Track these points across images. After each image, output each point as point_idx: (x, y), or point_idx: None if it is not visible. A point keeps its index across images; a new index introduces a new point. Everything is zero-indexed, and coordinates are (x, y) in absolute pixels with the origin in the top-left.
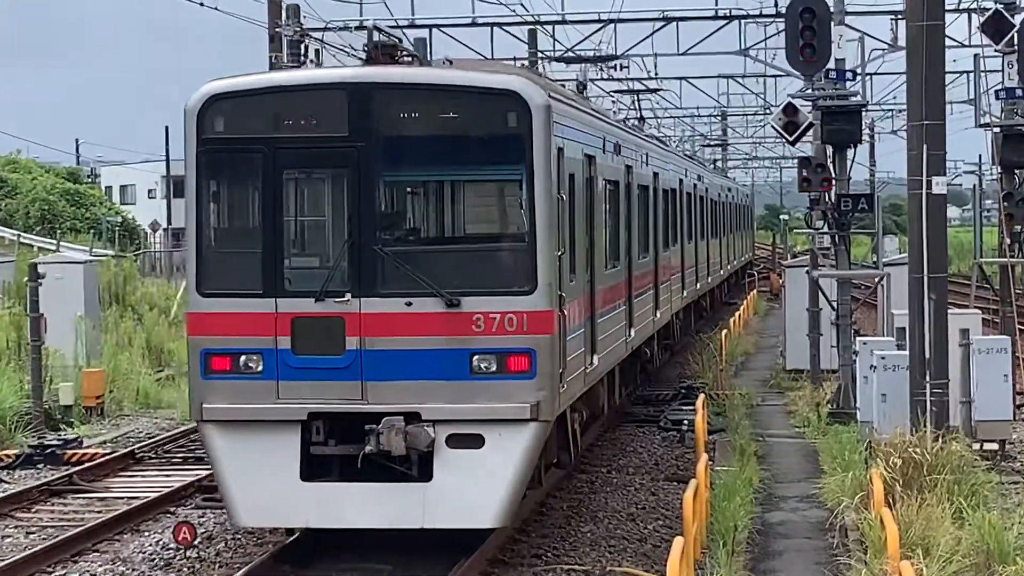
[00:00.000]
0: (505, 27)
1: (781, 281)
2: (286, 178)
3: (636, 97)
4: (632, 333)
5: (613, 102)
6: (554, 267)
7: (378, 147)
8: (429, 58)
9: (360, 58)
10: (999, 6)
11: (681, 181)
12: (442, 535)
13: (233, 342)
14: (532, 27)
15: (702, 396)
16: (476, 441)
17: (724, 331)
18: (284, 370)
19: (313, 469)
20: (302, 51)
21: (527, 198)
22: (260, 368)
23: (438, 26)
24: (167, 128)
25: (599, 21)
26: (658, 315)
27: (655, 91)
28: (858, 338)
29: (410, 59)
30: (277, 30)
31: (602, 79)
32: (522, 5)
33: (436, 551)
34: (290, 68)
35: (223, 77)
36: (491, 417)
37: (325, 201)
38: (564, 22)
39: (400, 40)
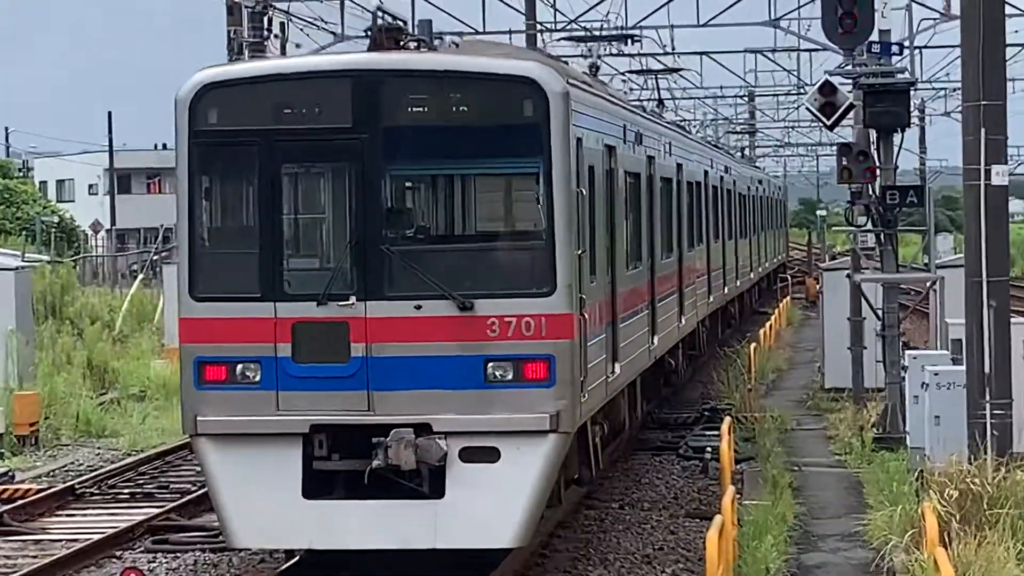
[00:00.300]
0: None
1: (818, 286)
2: (285, 172)
3: (655, 77)
4: (655, 341)
5: (624, 81)
6: (574, 267)
7: (384, 139)
8: (435, 41)
9: (334, 33)
10: None
11: (707, 173)
12: (454, 557)
13: (229, 350)
14: None
15: (728, 419)
16: (491, 455)
17: (753, 344)
18: (284, 379)
19: (316, 486)
20: (265, 24)
21: (544, 192)
22: (258, 377)
23: None
24: (110, 115)
25: None
26: (683, 321)
27: (675, 71)
28: (907, 352)
29: (416, 44)
30: (236, 1)
31: (611, 55)
32: None
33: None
34: (253, 44)
35: (216, 65)
36: (508, 429)
37: (327, 197)
38: None
39: (405, 23)
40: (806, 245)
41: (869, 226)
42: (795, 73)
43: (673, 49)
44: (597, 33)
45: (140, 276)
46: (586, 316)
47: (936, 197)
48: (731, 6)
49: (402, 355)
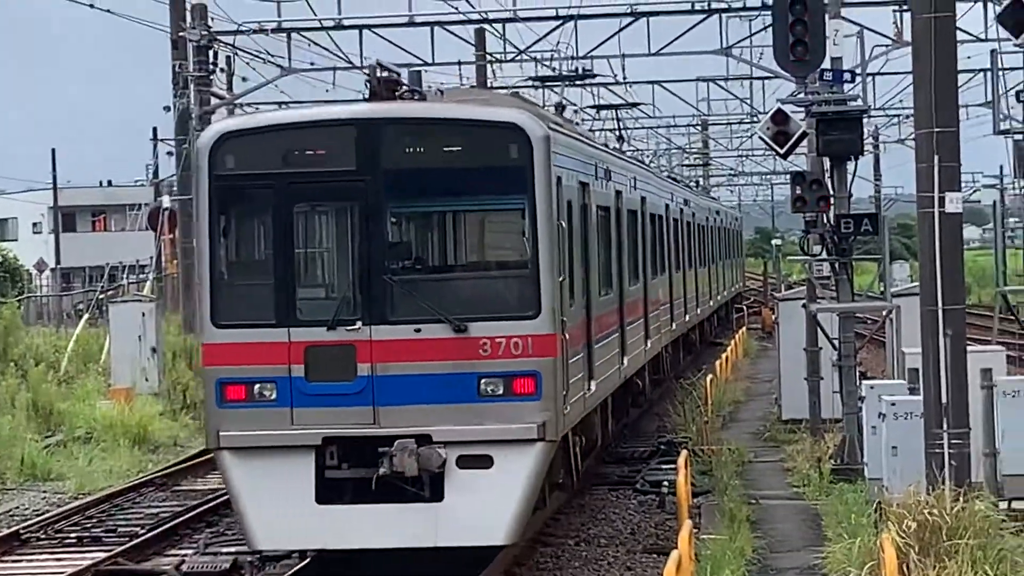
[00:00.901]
0: (447, 27)
1: (774, 316)
2: (296, 211)
3: (615, 112)
4: (625, 362)
5: (576, 112)
6: (556, 292)
7: (385, 180)
8: (423, 89)
9: (281, 66)
10: None
11: (668, 206)
12: (451, 554)
13: (248, 371)
14: (479, 26)
15: (684, 453)
16: (485, 461)
17: (710, 376)
18: (298, 397)
19: (328, 492)
20: (211, 58)
21: (529, 226)
22: (274, 396)
23: (369, 27)
24: (53, 151)
25: (557, 18)
26: (648, 345)
27: (634, 105)
28: (864, 382)
29: (411, 94)
30: (181, 34)
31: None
32: (467, 1)
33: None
34: (198, 79)
35: (234, 116)
36: (499, 438)
37: (334, 233)
38: (516, 19)
39: (399, 75)
40: (762, 275)
41: (824, 255)
42: (748, 101)
43: (625, 79)
44: (553, 66)
45: (86, 316)
46: (567, 337)
47: (891, 225)
48: (682, 35)
49: (404, 373)
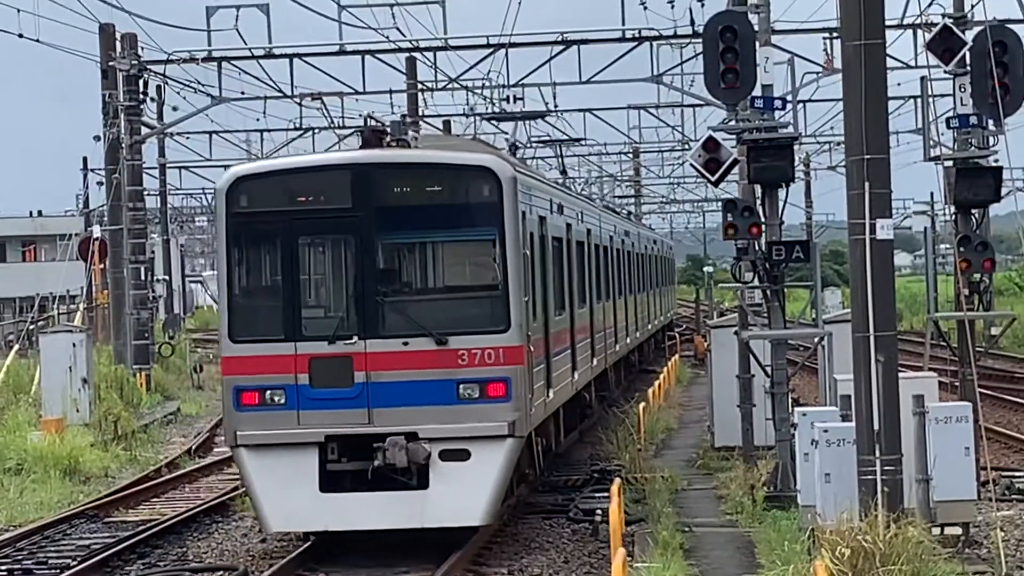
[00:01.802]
0: (378, 55)
1: (706, 344)
2: (300, 243)
3: (559, 150)
4: (575, 376)
5: (495, 135)
6: (523, 310)
7: (376, 215)
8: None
9: (211, 95)
10: (948, 21)
11: (611, 236)
12: (435, 535)
13: (260, 380)
14: (410, 55)
15: (617, 481)
16: (464, 455)
17: (642, 404)
18: (303, 401)
19: (330, 482)
20: (141, 87)
21: (500, 254)
22: (283, 400)
23: (300, 55)
24: None
25: (488, 46)
26: (595, 363)
27: (576, 141)
28: (797, 409)
29: (396, 142)
30: (111, 64)
31: (492, 115)
32: (397, 29)
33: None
34: (128, 108)
35: (246, 162)
36: (476, 434)
37: (333, 261)
38: (447, 48)
39: (385, 126)
40: (694, 302)
41: (756, 282)
42: (679, 129)
43: (556, 107)
44: (485, 94)
45: (16, 346)
46: (531, 349)
47: (823, 251)
48: (613, 63)
49: (394, 380)
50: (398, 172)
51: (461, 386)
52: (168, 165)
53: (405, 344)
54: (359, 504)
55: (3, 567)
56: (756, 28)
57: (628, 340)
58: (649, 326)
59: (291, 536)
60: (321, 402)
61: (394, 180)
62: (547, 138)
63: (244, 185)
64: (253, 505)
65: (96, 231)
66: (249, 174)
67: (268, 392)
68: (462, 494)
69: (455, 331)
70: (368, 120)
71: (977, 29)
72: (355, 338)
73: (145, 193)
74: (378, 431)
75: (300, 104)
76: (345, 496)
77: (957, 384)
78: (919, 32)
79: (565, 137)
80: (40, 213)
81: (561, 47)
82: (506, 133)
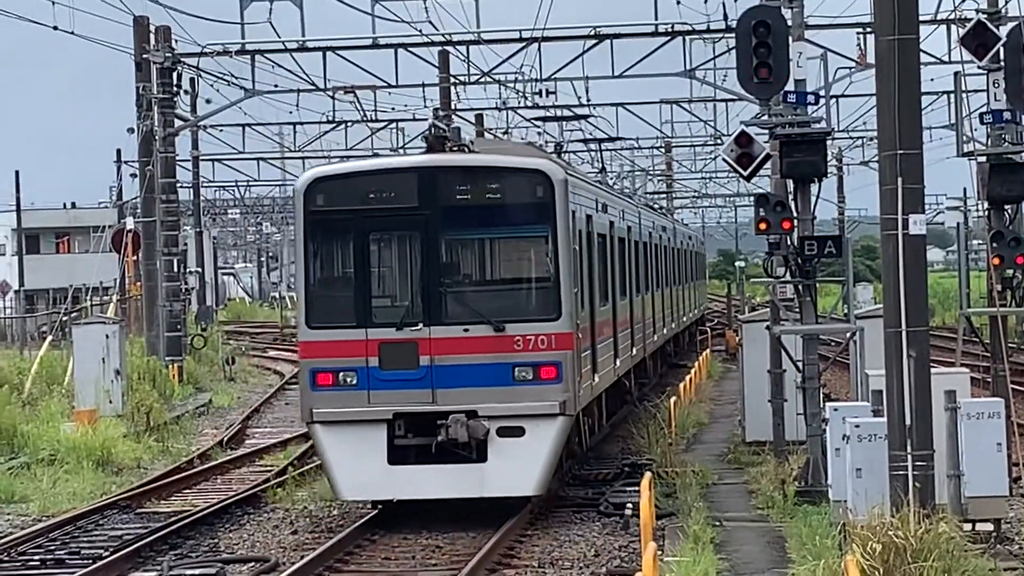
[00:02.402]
0: (411, 49)
1: (738, 339)
2: (371, 238)
3: (599, 148)
4: (617, 363)
5: (539, 134)
6: (572, 301)
7: (440, 214)
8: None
9: (245, 88)
10: (982, 16)
11: (650, 233)
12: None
13: (334, 363)
14: (443, 49)
15: (648, 475)
16: (519, 431)
17: (673, 398)
18: (373, 382)
19: (397, 456)
20: (174, 80)
21: (552, 249)
22: (355, 381)
23: (333, 49)
24: (17, 173)
25: (520, 40)
26: (634, 352)
27: (616, 139)
28: (828, 404)
29: (458, 147)
30: (145, 56)
31: (526, 107)
32: (431, 23)
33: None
34: (162, 101)
35: (323, 166)
36: (530, 413)
37: (400, 255)
38: (479, 42)
39: (446, 131)
40: (726, 297)
41: (788, 277)
42: (711, 123)
43: (588, 100)
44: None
45: (49, 338)
46: (580, 336)
47: (855, 247)
48: (646, 57)
49: (456, 363)
50: (460, 174)
51: (516, 369)
52: (201, 157)
53: (466, 331)
54: (423, 476)
55: (36, 557)
56: (790, 23)
57: (664, 331)
58: (684, 318)
59: (322, 527)
60: (389, 383)
61: (456, 182)
62: (587, 137)
63: (320, 186)
64: (327, 476)
65: (129, 223)
66: (325, 176)
67: (341, 374)
68: (517, 467)
69: (511, 319)
70: (433, 127)
71: (1011, 24)
72: (420, 325)
73: (178, 185)
74: (441, 409)
75: (333, 97)
76: (411, 468)
77: (989, 380)
78: (953, 27)
79: (603, 136)
80: (74, 205)
81: (594, 41)
82: (539, 127)
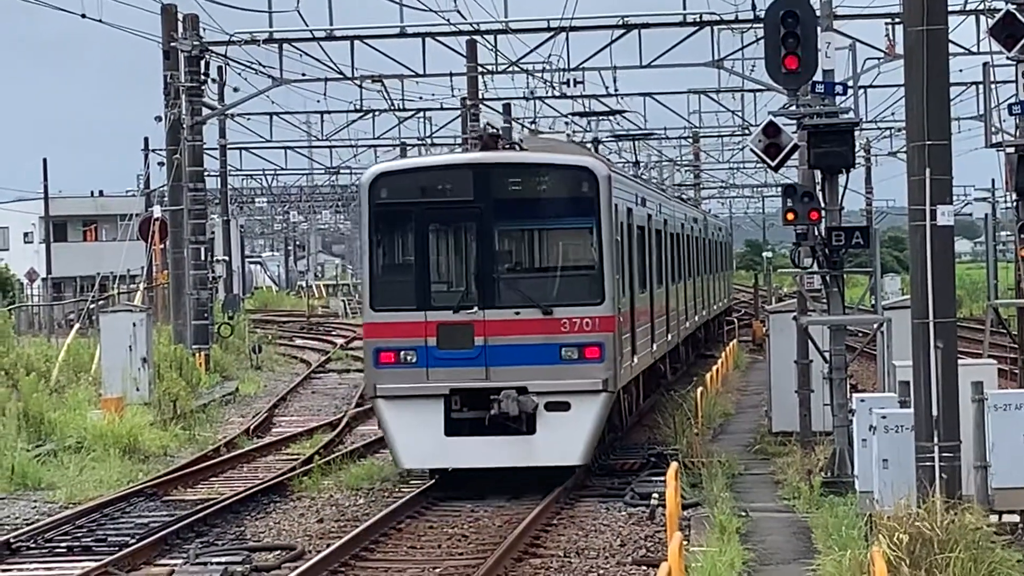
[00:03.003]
0: (438, 38)
1: (765, 329)
2: (430, 229)
3: (634, 144)
4: (654, 347)
5: (567, 123)
6: (615, 287)
7: (494, 207)
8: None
9: (272, 77)
10: (1011, 7)
11: (683, 224)
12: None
13: (396, 343)
14: (471, 38)
15: (674, 465)
16: (565, 406)
17: (700, 388)
18: (432, 360)
19: (453, 428)
20: (202, 68)
21: (596, 240)
22: (415, 359)
23: (360, 38)
24: (45, 161)
25: (548, 29)
26: (669, 337)
27: (648, 136)
28: (855, 395)
29: (510, 145)
30: (173, 45)
31: (554, 97)
32: (458, 12)
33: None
34: (190, 89)
35: (386, 161)
36: (575, 389)
37: (457, 244)
38: (507, 31)
39: (499, 131)
40: (753, 287)
41: (815, 268)
42: (739, 114)
43: (616, 90)
44: (545, 77)
45: (77, 325)
46: (621, 320)
47: (883, 238)
48: (674, 47)
49: (508, 344)
50: (511, 170)
51: (563, 349)
52: (229, 146)
53: (517, 314)
54: (477, 446)
55: (64, 543)
56: (818, 13)
57: (696, 318)
58: (714, 307)
59: (348, 516)
60: (446, 361)
61: (508, 177)
62: (618, 132)
63: (384, 180)
64: (389, 446)
65: (156, 211)
66: (388, 171)
67: (402, 352)
68: (563, 439)
69: (559, 303)
70: (487, 127)
71: None
72: (475, 308)
73: (205, 174)
74: (494, 386)
75: (360, 86)
76: (466, 439)
77: (1017, 371)
78: (982, 18)
79: (633, 128)
80: (101, 193)
81: (622, 31)
82: (568, 120)
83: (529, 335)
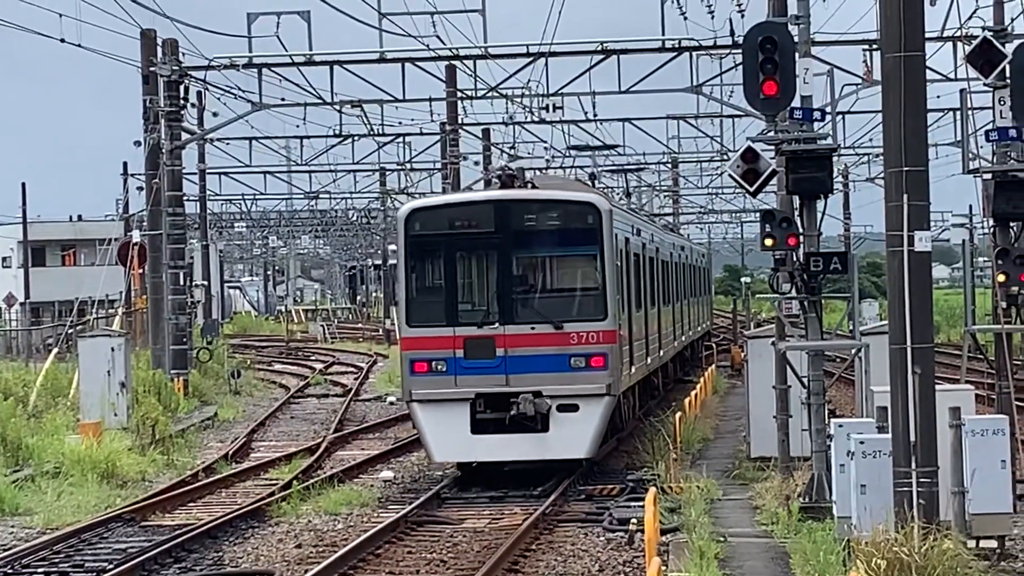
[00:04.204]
0: (418, 63)
1: (743, 354)
2: (458, 256)
3: (626, 175)
4: (648, 360)
5: (546, 149)
6: (616, 305)
7: (512, 237)
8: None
9: (251, 102)
10: (988, 34)
11: (671, 253)
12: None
13: (428, 354)
14: (450, 63)
15: (652, 490)
16: (574, 408)
17: (679, 414)
18: (459, 369)
19: (478, 427)
20: (181, 93)
21: (600, 265)
22: (445, 369)
23: (340, 63)
24: (23, 185)
25: (527, 55)
26: (661, 353)
27: (640, 169)
28: (833, 420)
29: (523, 184)
30: (152, 69)
31: (533, 122)
32: (438, 38)
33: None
34: (169, 114)
35: (418, 198)
36: (582, 393)
37: (480, 269)
38: (486, 56)
39: (514, 172)
40: (731, 313)
41: (793, 293)
42: (718, 139)
43: (595, 115)
44: (524, 103)
45: (55, 350)
46: (621, 334)
47: (861, 263)
48: (653, 72)
49: (524, 354)
50: (527, 206)
51: (572, 358)
52: (208, 171)
53: (532, 328)
54: (499, 442)
55: (40, 570)
56: (796, 39)
57: (683, 338)
58: (698, 328)
59: (326, 541)
60: (472, 370)
61: (524, 212)
62: (617, 168)
63: (417, 215)
64: (423, 443)
65: (135, 236)
66: (421, 207)
67: (434, 362)
68: (573, 435)
69: (568, 319)
70: (506, 168)
71: (1017, 42)
72: (497, 324)
73: (185, 198)
74: (513, 390)
75: (340, 111)
76: (489, 437)
77: (994, 397)
78: (959, 44)
79: (629, 163)
80: (80, 217)
81: (601, 56)
82: (545, 142)
83: (543, 347)
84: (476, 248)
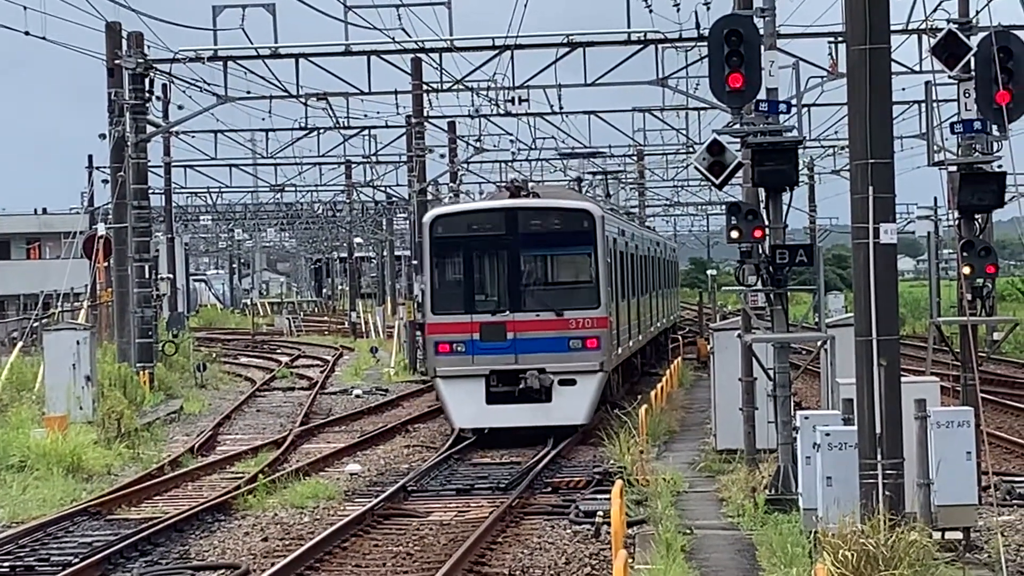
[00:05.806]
0: (383, 56)
1: (709, 347)
2: (474, 255)
3: (605, 179)
4: (631, 343)
5: (512, 142)
6: (608, 295)
7: (520, 239)
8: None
9: (216, 95)
10: (953, 26)
11: (650, 249)
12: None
13: (450, 337)
14: (415, 56)
15: (619, 483)
16: (573, 382)
17: (644, 406)
18: (476, 350)
19: (492, 398)
20: (146, 86)
21: (593, 262)
22: (464, 350)
23: (305, 55)
24: None
25: (493, 48)
26: (640, 338)
27: (615, 173)
28: (799, 412)
29: (529, 194)
30: (117, 62)
31: (499, 115)
32: (403, 30)
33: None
34: (134, 107)
35: (441, 206)
36: (579, 370)
37: (493, 265)
38: (452, 49)
39: (521, 184)
40: (697, 305)
41: (759, 285)
42: (684, 132)
43: (561, 108)
44: (490, 96)
45: (20, 344)
46: (612, 320)
47: (826, 255)
48: (618, 65)
49: (531, 337)
50: (533, 212)
51: (571, 341)
52: (173, 164)
53: (537, 315)
54: (510, 411)
55: (6, 564)
56: (762, 32)
57: (658, 324)
58: (669, 318)
59: (292, 534)
60: (487, 350)
61: (530, 217)
62: (599, 170)
63: (440, 220)
64: (445, 413)
65: (100, 229)
66: (444, 213)
67: (455, 344)
68: (572, 405)
69: (568, 308)
70: (515, 181)
71: (982, 34)
72: (507, 312)
73: (150, 191)
74: (521, 367)
75: (305, 104)
76: (501, 407)
77: (959, 389)
78: (924, 37)
79: (613, 167)
80: (45, 211)
81: (566, 49)
82: (511, 134)
83: (546, 331)
84: (489, 248)
